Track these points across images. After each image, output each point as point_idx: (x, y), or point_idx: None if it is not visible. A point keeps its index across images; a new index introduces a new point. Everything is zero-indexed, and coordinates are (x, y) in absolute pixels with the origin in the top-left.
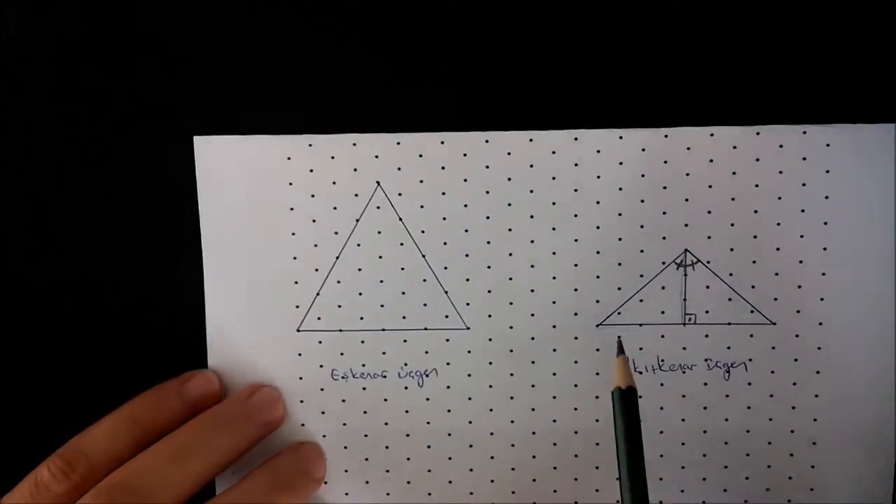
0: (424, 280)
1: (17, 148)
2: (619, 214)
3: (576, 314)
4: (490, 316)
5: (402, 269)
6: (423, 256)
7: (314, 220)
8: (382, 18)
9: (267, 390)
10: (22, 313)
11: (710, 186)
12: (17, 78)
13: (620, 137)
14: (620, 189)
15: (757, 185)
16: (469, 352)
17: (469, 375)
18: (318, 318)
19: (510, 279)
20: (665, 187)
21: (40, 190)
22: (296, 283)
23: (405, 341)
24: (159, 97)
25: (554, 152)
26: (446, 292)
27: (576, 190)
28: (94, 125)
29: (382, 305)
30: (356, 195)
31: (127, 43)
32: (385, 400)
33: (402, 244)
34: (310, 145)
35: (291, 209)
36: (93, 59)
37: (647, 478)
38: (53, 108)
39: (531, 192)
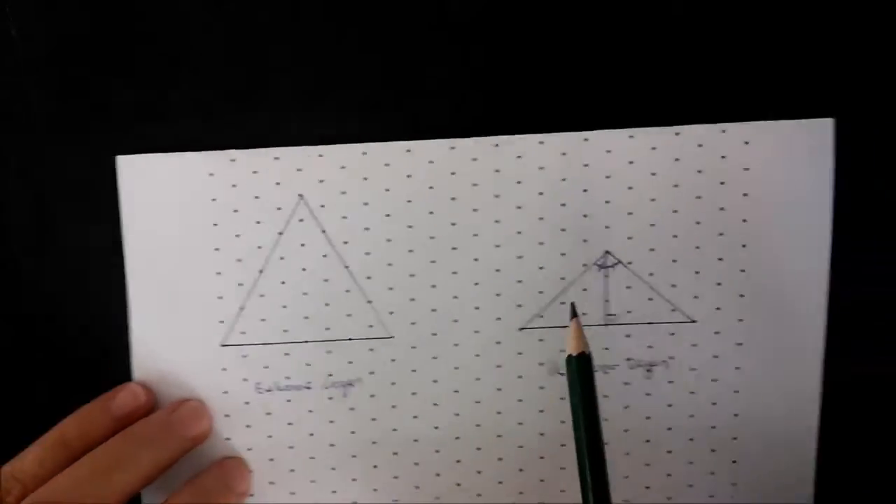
0: (348, 290)
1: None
2: (541, 219)
3: (498, 319)
4: (413, 323)
5: (326, 280)
6: (347, 267)
7: (238, 235)
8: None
9: (191, 404)
10: None
11: (630, 188)
12: (19, 78)
13: (540, 142)
14: (541, 194)
15: (676, 185)
16: (393, 360)
17: (393, 384)
18: (243, 333)
19: (433, 286)
20: (586, 190)
21: None
22: (220, 298)
23: (329, 352)
24: (147, 93)
25: (475, 159)
26: (370, 302)
27: (497, 196)
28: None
29: (306, 317)
30: (279, 208)
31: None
32: (310, 411)
33: (325, 256)
34: (232, 160)
35: (215, 225)
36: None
37: (573, 478)
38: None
39: (452, 199)
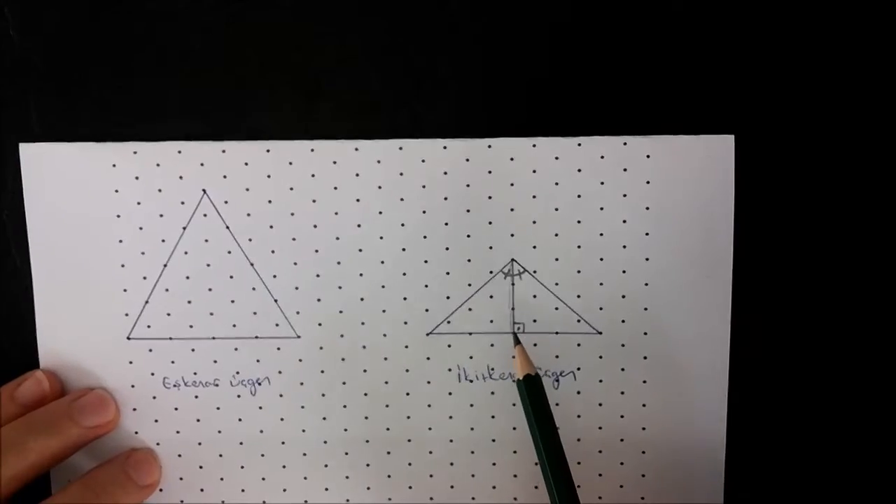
0: (254, 288)
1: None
2: (446, 224)
3: (406, 323)
4: (320, 324)
5: (231, 277)
6: (252, 265)
7: (141, 228)
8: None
9: (96, 393)
10: None
11: (534, 196)
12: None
13: (444, 147)
14: (446, 199)
15: (579, 196)
16: (300, 360)
17: (301, 384)
18: (148, 327)
19: (339, 287)
20: (490, 197)
21: None
22: (125, 290)
23: (236, 349)
24: (147, 93)
25: (379, 161)
26: (276, 300)
27: (402, 199)
28: None
29: (212, 314)
30: (182, 203)
31: None
32: (218, 408)
33: (229, 252)
34: (135, 152)
35: (118, 216)
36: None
37: (482, 486)
38: None
39: (357, 200)
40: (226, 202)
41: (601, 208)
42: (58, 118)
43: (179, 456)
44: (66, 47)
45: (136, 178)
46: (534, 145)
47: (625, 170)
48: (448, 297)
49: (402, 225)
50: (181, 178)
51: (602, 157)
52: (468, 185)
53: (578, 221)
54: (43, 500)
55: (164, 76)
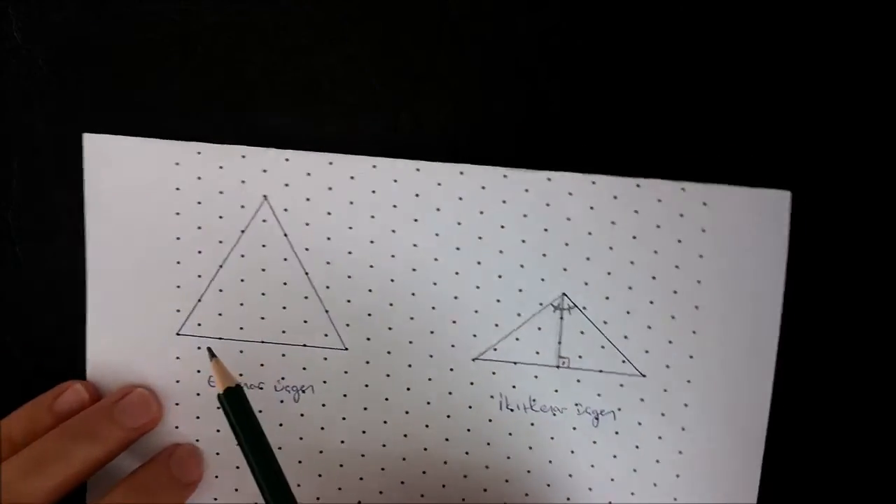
0: (306, 297)
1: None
2: (500, 252)
3: (453, 346)
4: (368, 339)
5: (285, 283)
6: (306, 274)
7: (199, 227)
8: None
9: (138, 393)
10: None
11: (589, 233)
12: (21, 78)
13: (505, 176)
14: (503, 227)
15: (634, 237)
16: (346, 372)
17: (345, 396)
18: (199, 324)
19: (390, 304)
20: (546, 230)
21: None
22: (178, 287)
23: (283, 355)
24: (148, 93)
25: (440, 184)
26: (327, 311)
27: (459, 223)
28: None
29: (263, 318)
30: (242, 206)
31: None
32: (260, 411)
33: (285, 259)
34: (199, 153)
35: (177, 214)
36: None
37: None
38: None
39: (415, 220)
40: (286, 210)
41: (655, 251)
42: (58, 118)
43: (217, 454)
44: (68, 48)
45: (199, 178)
46: (593, 182)
47: (681, 215)
48: (497, 325)
49: (458, 249)
50: (243, 182)
51: (659, 201)
52: (525, 216)
53: (632, 262)
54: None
55: (166, 77)
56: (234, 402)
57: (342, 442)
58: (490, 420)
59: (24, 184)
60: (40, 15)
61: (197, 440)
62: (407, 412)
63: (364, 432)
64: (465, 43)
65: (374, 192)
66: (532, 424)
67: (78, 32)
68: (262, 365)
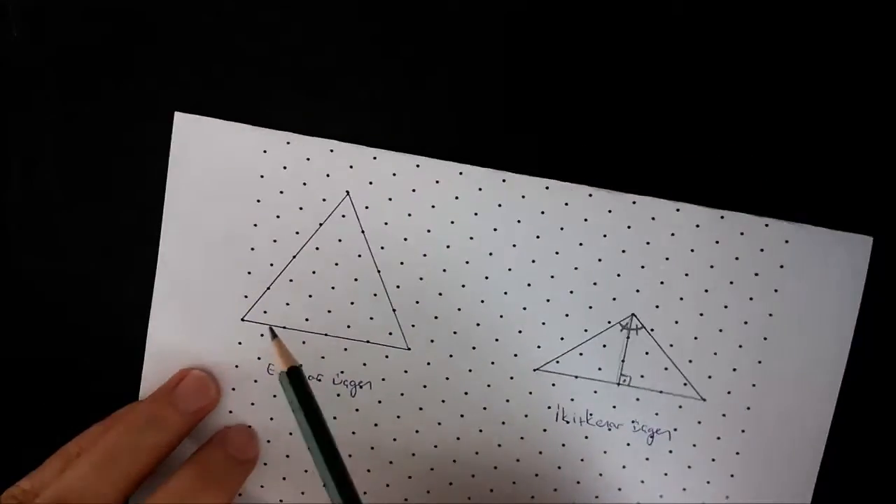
0: (375, 295)
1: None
2: (575, 268)
3: (515, 355)
4: (432, 341)
5: (356, 279)
6: (379, 272)
7: (278, 216)
8: (397, 30)
9: (194, 376)
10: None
11: (667, 258)
12: (20, 78)
13: (590, 195)
14: (581, 245)
15: (712, 266)
16: (406, 371)
17: (402, 394)
18: (265, 312)
19: (458, 309)
20: (624, 251)
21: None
22: (248, 273)
23: (345, 350)
24: (149, 93)
25: (524, 197)
26: (394, 310)
27: (538, 237)
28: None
29: (329, 311)
30: (324, 200)
31: (130, 39)
32: None
33: (359, 255)
34: (287, 143)
35: (258, 201)
36: (98, 60)
37: None
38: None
39: (494, 230)
40: (366, 207)
41: (731, 282)
42: (58, 118)
43: (268, 442)
44: (67, 49)
45: (284, 167)
46: (677, 209)
47: (761, 250)
48: (562, 339)
49: (533, 261)
50: (328, 175)
51: (742, 234)
52: (605, 236)
53: (706, 290)
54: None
55: (166, 77)
56: (296, 382)
57: (394, 440)
58: (545, 430)
59: (25, 184)
60: (40, 15)
61: (249, 426)
62: (462, 416)
63: (417, 432)
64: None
65: (457, 198)
66: (586, 437)
67: (78, 32)
68: (322, 357)
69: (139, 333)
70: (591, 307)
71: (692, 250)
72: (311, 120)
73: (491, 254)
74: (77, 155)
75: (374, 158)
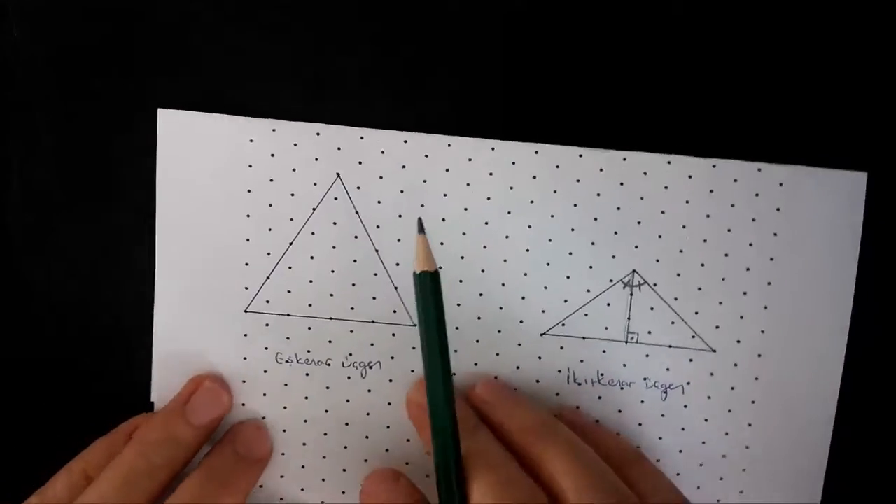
0: (375, 274)
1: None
2: (572, 230)
3: (521, 322)
4: None
5: (355, 261)
6: (377, 251)
7: (270, 205)
8: (377, 14)
9: (205, 388)
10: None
11: (662, 212)
12: (21, 78)
13: (580, 155)
14: (575, 205)
15: (708, 216)
16: (413, 348)
17: (412, 371)
18: (267, 301)
19: (460, 281)
20: (619, 208)
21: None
22: (246, 264)
23: (351, 332)
24: (149, 93)
25: (514, 163)
26: (396, 288)
27: (532, 202)
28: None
29: (332, 295)
30: (315, 184)
31: (130, 42)
32: (327, 388)
33: (356, 237)
34: (273, 130)
35: (249, 191)
36: (98, 60)
37: None
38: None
39: (488, 198)
40: (358, 188)
41: (728, 230)
42: (58, 118)
43: (284, 431)
44: (68, 48)
45: (272, 155)
46: (668, 162)
47: (756, 195)
48: (566, 301)
49: (529, 227)
50: (317, 159)
51: (735, 181)
52: (599, 195)
53: (704, 240)
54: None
55: (166, 77)
56: (433, 287)
57: (409, 417)
58: (557, 394)
59: (25, 184)
60: (40, 15)
61: (263, 417)
62: (474, 387)
63: None
64: (448, 49)
65: (447, 170)
66: (599, 398)
67: (78, 32)
68: (329, 341)
69: (139, 333)
70: (591, 267)
71: (687, 202)
72: (312, 120)
73: (487, 223)
74: (77, 155)
75: (362, 138)
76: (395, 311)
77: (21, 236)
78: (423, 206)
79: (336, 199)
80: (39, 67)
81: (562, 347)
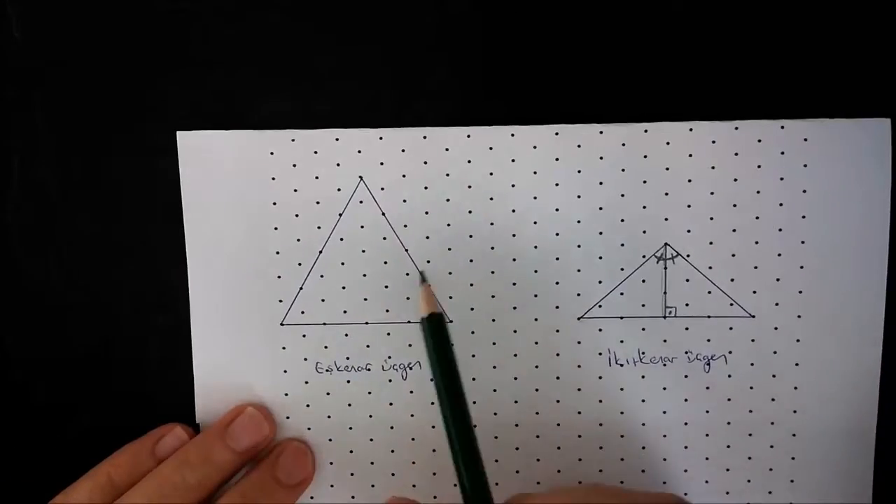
0: (407, 274)
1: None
2: (600, 208)
3: (557, 307)
4: (472, 309)
5: (385, 262)
6: (406, 250)
7: (297, 215)
8: (370, 13)
9: (248, 414)
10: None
11: (689, 181)
12: (21, 78)
13: (601, 132)
14: (601, 183)
15: (736, 180)
16: (452, 344)
17: None
18: (302, 312)
19: (492, 273)
20: (645, 181)
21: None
22: (279, 277)
23: (388, 334)
24: (149, 93)
25: (535, 147)
26: (430, 286)
27: (557, 184)
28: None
29: (366, 299)
30: (339, 189)
31: (129, 45)
32: (369, 393)
33: (384, 238)
34: (293, 140)
35: (274, 204)
36: (98, 60)
37: (632, 469)
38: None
39: (513, 186)
40: (382, 189)
41: (757, 192)
42: (58, 118)
43: (330, 440)
44: (68, 48)
45: (294, 165)
46: (690, 129)
47: (782, 153)
48: (600, 282)
49: (557, 210)
50: (338, 165)
51: (759, 141)
52: (623, 170)
53: (734, 205)
54: None
55: (166, 77)
56: (435, 329)
57: None
58: (600, 377)
59: (25, 184)
60: (40, 15)
61: (309, 428)
62: (515, 378)
63: (474, 402)
64: (450, 41)
65: (469, 161)
66: (643, 377)
67: (78, 32)
68: (367, 346)
69: (139, 333)
70: (622, 245)
71: (713, 167)
72: (313, 121)
73: (514, 210)
74: (77, 155)
75: (381, 139)
76: None
77: (21, 236)
78: (448, 200)
79: (361, 202)
80: (39, 67)
81: (600, 329)
